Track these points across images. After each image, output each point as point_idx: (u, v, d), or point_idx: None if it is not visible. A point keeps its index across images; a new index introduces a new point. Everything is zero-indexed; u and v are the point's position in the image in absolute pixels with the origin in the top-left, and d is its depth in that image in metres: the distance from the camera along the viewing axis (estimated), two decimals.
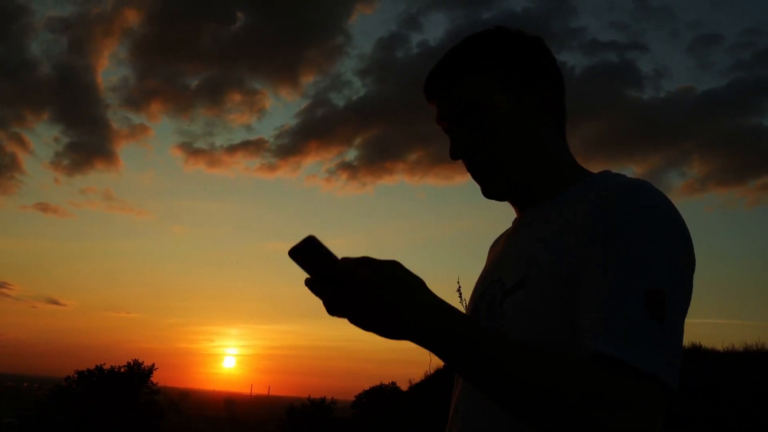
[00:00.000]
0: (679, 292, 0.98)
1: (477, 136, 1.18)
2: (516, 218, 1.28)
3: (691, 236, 1.04)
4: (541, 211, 1.18)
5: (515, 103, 1.17)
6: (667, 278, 0.96)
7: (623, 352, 0.90)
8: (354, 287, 0.90)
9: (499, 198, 1.23)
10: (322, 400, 30.34)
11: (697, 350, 10.34)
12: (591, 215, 1.03)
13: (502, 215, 1.30)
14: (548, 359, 0.92)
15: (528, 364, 0.90)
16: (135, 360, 34.20)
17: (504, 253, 1.24)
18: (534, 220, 1.19)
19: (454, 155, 1.21)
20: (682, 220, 1.04)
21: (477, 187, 1.23)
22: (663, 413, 0.93)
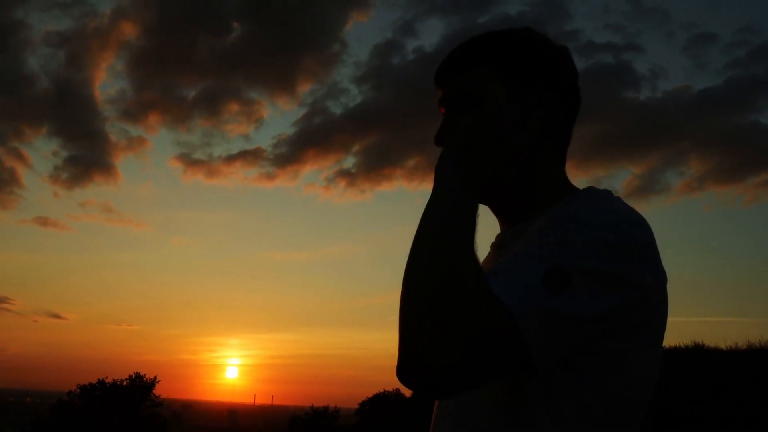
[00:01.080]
0: (592, 283, 0.92)
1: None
2: (499, 233, 1.23)
3: (659, 243, 1.00)
4: (518, 230, 1.12)
5: (515, 106, 1.10)
6: (585, 262, 0.92)
7: (496, 286, 0.89)
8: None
9: None
10: (326, 408, 30.25)
11: (699, 349, 10.30)
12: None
13: (496, 222, 1.24)
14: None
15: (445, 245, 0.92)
16: (137, 373, 34.02)
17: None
18: (511, 240, 1.12)
19: (437, 139, 1.16)
20: (636, 229, 0.98)
21: None
22: (501, 363, 0.90)
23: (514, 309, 0.87)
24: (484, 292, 0.88)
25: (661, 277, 1.00)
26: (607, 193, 1.07)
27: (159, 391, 34.69)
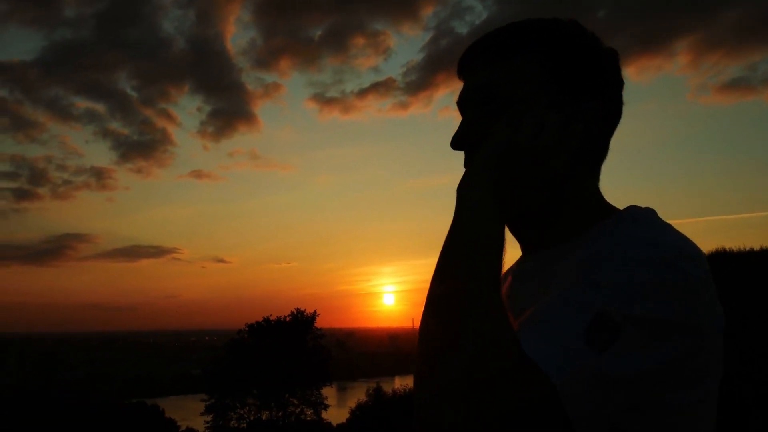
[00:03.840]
0: (644, 334, 0.75)
1: (488, 131, 0.93)
2: (520, 259, 1.05)
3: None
4: (546, 260, 0.95)
5: (555, 115, 0.90)
6: (635, 308, 0.75)
7: (530, 345, 0.75)
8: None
9: None
10: None
11: None
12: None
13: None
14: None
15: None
16: (298, 309, 36.04)
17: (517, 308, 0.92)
18: (536, 272, 0.96)
19: (455, 143, 0.97)
20: (691, 265, 0.80)
21: None
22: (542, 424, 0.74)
23: (554, 376, 0.73)
24: (518, 357, 0.74)
25: (718, 319, 0.82)
26: (651, 216, 0.90)
27: (321, 322, 36.74)
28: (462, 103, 1.00)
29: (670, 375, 0.77)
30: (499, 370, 0.73)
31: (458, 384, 0.73)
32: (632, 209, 0.93)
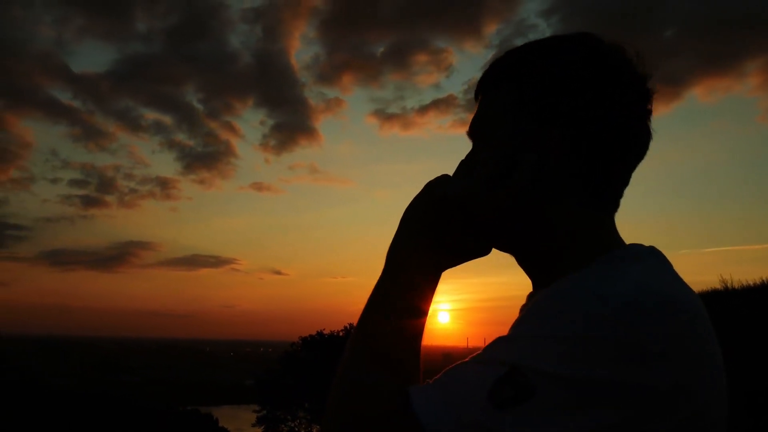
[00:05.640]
0: (565, 395, 0.65)
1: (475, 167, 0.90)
2: (530, 294, 0.94)
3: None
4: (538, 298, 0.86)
5: (506, 148, 0.85)
6: (556, 365, 0.66)
7: (425, 398, 0.74)
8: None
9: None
10: None
11: None
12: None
13: None
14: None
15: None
16: (351, 324, 35.78)
17: None
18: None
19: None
20: (648, 320, 0.68)
21: None
22: None
23: (431, 426, 0.70)
24: (398, 411, 0.74)
25: (702, 377, 0.69)
26: (637, 260, 0.78)
27: None
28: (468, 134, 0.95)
29: None
30: (373, 419, 0.74)
31: (338, 415, 0.77)
32: (626, 250, 0.82)
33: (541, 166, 0.82)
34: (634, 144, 0.85)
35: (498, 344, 0.73)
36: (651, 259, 0.79)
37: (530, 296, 0.91)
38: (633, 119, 0.84)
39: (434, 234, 0.86)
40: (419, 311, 0.84)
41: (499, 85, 0.89)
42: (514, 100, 0.86)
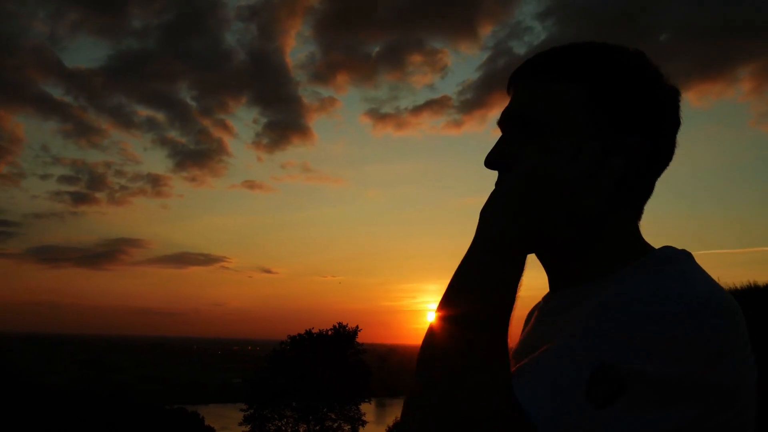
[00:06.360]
0: (655, 394, 0.69)
1: (522, 153, 0.90)
2: (546, 295, 0.99)
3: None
4: (570, 300, 0.90)
5: (594, 144, 0.86)
6: (647, 364, 0.69)
7: (522, 391, 0.72)
8: None
9: None
10: None
11: None
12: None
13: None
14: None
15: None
16: (340, 323, 35.97)
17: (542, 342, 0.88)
18: (558, 312, 0.91)
19: (488, 162, 0.94)
20: (717, 319, 0.73)
21: None
22: None
23: (542, 426, 0.69)
24: (506, 401, 0.71)
25: (747, 375, 0.75)
26: (682, 261, 0.83)
27: (363, 337, 36.61)
28: (502, 122, 0.95)
29: None
30: (483, 410, 0.70)
31: (440, 417, 0.71)
32: (665, 251, 0.87)
33: (625, 171, 0.86)
34: (670, 156, 0.93)
35: (584, 340, 0.74)
36: (693, 262, 0.84)
37: (548, 297, 0.98)
38: (675, 133, 0.92)
39: (532, 214, 0.83)
40: (514, 291, 0.81)
41: (560, 79, 0.89)
42: (587, 99, 0.88)
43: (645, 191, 0.92)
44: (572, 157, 0.84)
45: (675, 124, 0.92)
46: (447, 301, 0.79)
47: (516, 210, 0.83)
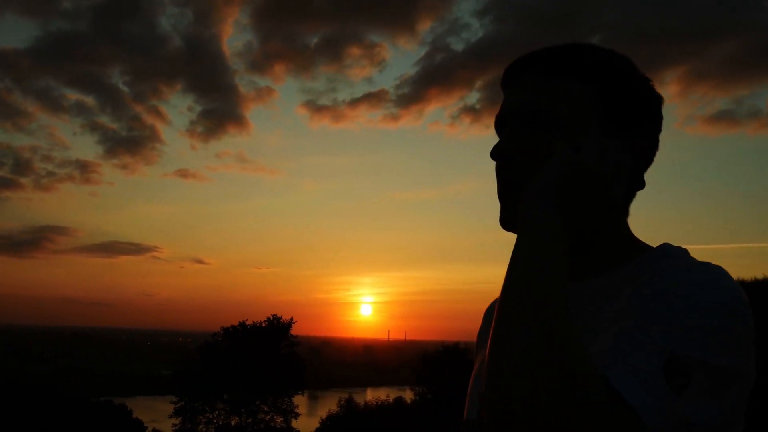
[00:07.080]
0: (713, 382, 0.76)
1: (534, 147, 0.92)
2: None
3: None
4: (585, 289, 0.92)
5: (613, 141, 0.90)
6: (707, 355, 0.76)
7: (611, 376, 0.72)
8: None
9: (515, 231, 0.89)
10: (456, 344, 30.90)
11: None
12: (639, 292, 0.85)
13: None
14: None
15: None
16: (274, 315, 35.80)
17: None
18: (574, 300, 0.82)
19: (498, 152, 0.95)
20: (748, 310, 0.82)
21: None
22: None
23: (646, 414, 0.70)
24: (603, 386, 0.70)
25: (753, 361, 0.83)
26: (686, 256, 0.91)
27: (297, 329, 36.47)
28: (505, 116, 0.96)
29: (727, 424, 0.78)
30: (586, 401, 0.66)
31: (540, 412, 0.66)
32: (665, 248, 0.93)
33: (632, 169, 0.92)
34: (654, 155, 0.98)
35: (651, 331, 0.77)
36: (692, 258, 0.91)
37: None
38: (659, 134, 0.98)
39: (572, 206, 0.84)
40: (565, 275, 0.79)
41: (567, 76, 0.92)
42: (596, 96, 0.92)
43: (637, 189, 0.98)
44: (600, 154, 0.87)
45: (660, 126, 0.98)
46: (515, 321, 0.72)
47: (562, 204, 0.84)
